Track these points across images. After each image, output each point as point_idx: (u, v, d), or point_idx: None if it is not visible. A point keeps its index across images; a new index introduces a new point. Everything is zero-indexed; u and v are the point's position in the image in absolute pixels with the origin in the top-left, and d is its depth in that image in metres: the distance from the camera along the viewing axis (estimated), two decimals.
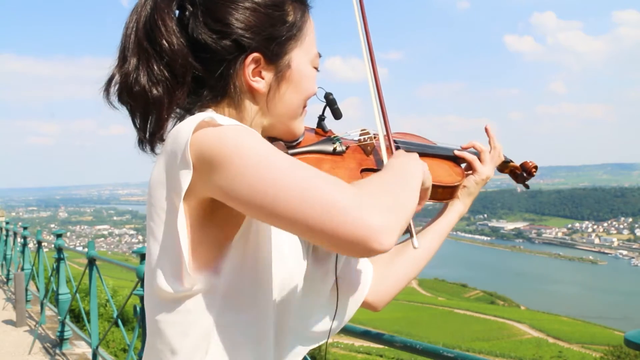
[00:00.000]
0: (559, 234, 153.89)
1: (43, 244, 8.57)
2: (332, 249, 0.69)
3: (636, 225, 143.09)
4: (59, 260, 6.48)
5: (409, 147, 1.14)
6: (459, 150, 1.22)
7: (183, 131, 0.74)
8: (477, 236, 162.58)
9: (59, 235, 6.58)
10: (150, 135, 0.85)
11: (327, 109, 1.07)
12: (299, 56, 0.91)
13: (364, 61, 1.05)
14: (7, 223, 11.61)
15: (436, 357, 1.67)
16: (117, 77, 0.84)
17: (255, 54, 0.86)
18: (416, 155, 0.90)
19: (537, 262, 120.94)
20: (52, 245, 6.96)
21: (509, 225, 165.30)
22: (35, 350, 5.93)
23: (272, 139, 0.96)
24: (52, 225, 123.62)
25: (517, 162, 1.32)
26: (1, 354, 5.90)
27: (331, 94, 1.04)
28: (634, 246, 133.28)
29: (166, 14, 0.83)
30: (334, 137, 1.06)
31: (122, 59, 0.84)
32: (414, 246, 0.91)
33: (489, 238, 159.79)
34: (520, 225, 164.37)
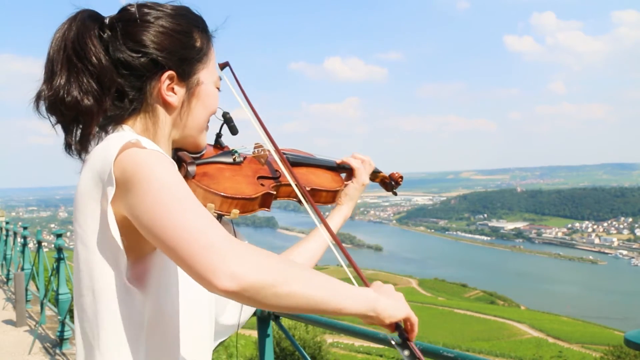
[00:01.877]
0: (559, 234, 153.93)
1: (43, 243, 8.56)
2: (193, 278, 0.77)
3: (636, 225, 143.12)
4: (59, 260, 6.47)
5: (297, 158, 1.34)
6: (340, 161, 1.42)
7: (111, 149, 0.84)
8: (477, 236, 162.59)
9: (59, 235, 6.57)
10: (80, 141, 0.95)
11: (225, 126, 1.21)
12: (205, 77, 1.05)
13: (242, 103, 1.19)
14: (7, 223, 11.62)
15: (436, 357, 1.67)
16: (46, 91, 0.93)
17: (170, 72, 0.99)
18: (385, 287, 0.95)
19: (537, 262, 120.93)
20: (52, 245, 6.96)
21: (509, 225, 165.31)
22: (35, 350, 5.94)
23: (179, 151, 1.10)
24: (52, 225, 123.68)
25: (386, 173, 1.52)
26: (1, 354, 5.90)
27: (228, 113, 1.18)
28: (634, 246, 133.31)
29: (92, 34, 0.95)
30: (233, 149, 1.21)
31: (51, 74, 0.93)
32: None
33: (489, 238, 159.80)
34: (520, 225, 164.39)
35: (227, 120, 1.19)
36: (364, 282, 1.01)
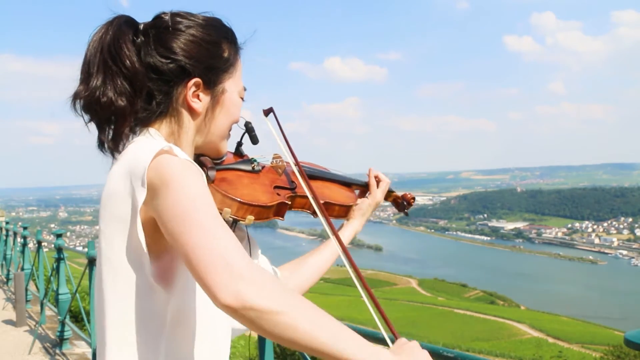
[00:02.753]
0: (559, 234, 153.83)
1: (43, 244, 8.56)
2: (210, 298, 0.77)
3: (636, 225, 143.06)
4: (59, 260, 6.47)
5: (313, 171, 1.38)
6: (356, 179, 1.47)
7: (145, 153, 0.89)
8: (477, 236, 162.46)
9: (59, 235, 6.57)
10: (113, 139, 1.00)
11: (246, 135, 1.24)
12: (230, 86, 1.09)
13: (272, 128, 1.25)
14: (7, 223, 11.62)
15: (436, 357, 1.67)
16: (83, 92, 0.98)
17: (196, 79, 1.03)
18: (409, 348, 0.91)
19: (537, 262, 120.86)
20: (52, 245, 6.95)
21: (509, 225, 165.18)
22: (35, 350, 5.94)
23: (201, 156, 1.13)
24: (52, 225, 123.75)
25: (399, 193, 1.57)
26: (1, 353, 5.90)
27: (250, 122, 1.21)
28: (634, 246, 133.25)
29: (127, 39, 1.00)
30: (252, 158, 1.26)
31: (88, 75, 0.98)
32: None
33: (489, 238, 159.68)
34: (520, 225, 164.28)
35: (249, 129, 1.23)
36: (389, 328, 1.02)
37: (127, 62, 0.98)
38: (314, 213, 1.28)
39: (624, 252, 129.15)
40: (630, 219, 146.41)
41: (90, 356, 5.34)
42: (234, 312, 0.75)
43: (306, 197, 1.25)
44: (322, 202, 1.28)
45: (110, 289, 0.93)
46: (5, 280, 10.30)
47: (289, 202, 1.22)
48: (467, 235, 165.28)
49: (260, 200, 1.13)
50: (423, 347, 1.80)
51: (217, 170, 1.14)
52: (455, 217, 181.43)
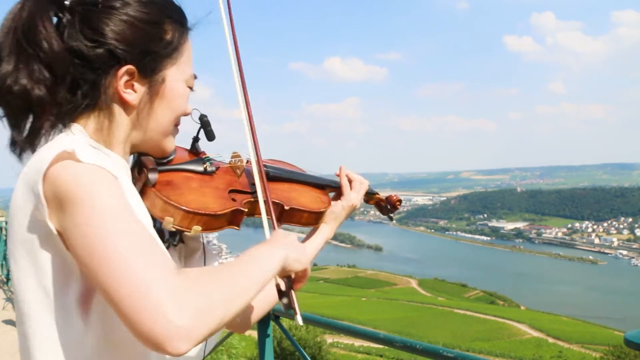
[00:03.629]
0: (559, 234, 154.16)
1: None
2: (133, 335, 0.68)
3: (636, 225, 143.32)
4: None
5: (278, 173, 1.22)
6: (331, 179, 1.31)
7: (43, 160, 0.76)
8: (477, 236, 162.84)
9: None
10: (29, 137, 0.86)
11: (202, 130, 1.10)
12: (174, 74, 0.94)
13: (236, 89, 1.08)
14: (7, 223, 11.63)
15: (436, 357, 1.67)
16: None
17: (129, 67, 0.88)
18: (289, 239, 0.91)
19: (537, 262, 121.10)
20: None
21: (509, 225, 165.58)
22: None
23: (143, 155, 0.99)
24: None
25: (383, 195, 1.42)
26: (1, 353, 5.91)
27: (206, 116, 1.07)
28: (634, 246, 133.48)
29: (45, 17, 0.85)
30: (205, 157, 1.09)
31: None
32: (299, 324, 0.93)
33: (489, 238, 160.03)
34: (520, 225, 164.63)
35: (204, 124, 1.09)
36: (273, 226, 1.00)
37: (45, 44, 0.83)
38: (277, 221, 1.11)
39: (624, 252, 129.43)
40: (630, 219, 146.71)
41: None
42: (189, 349, 0.68)
43: (273, 201, 1.09)
44: (287, 208, 1.14)
45: (24, 315, 0.85)
46: (5, 280, 10.30)
47: (246, 209, 1.05)
48: (467, 235, 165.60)
49: (209, 207, 0.98)
50: (423, 347, 1.81)
51: (161, 171, 1.00)
52: (455, 217, 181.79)
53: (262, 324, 2.76)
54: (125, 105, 0.91)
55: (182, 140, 1.11)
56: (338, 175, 1.32)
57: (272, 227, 1.02)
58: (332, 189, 1.32)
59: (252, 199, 1.08)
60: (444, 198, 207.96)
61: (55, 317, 0.80)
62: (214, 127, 1.12)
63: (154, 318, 0.66)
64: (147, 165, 0.98)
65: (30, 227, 0.79)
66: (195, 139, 1.13)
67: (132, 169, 1.00)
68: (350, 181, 1.31)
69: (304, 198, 1.22)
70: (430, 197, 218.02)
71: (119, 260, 0.69)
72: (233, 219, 1.03)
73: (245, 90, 1.10)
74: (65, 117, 0.88)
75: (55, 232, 0.76)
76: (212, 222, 0.99)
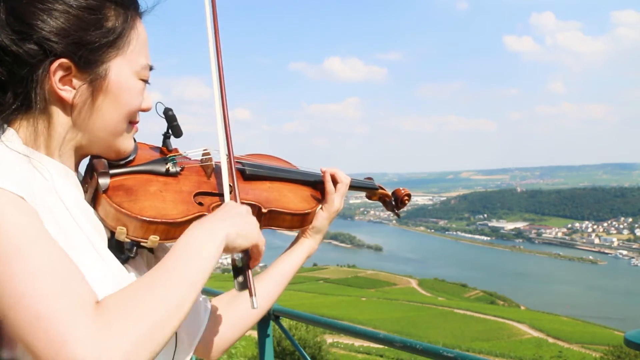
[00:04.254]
0: (559, 234, 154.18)
1: None
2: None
3: (636, 225, 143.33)
4: None
5: (257, 170, 1.10)
6: (319, 175, 1.18)
7: None
8: (477, 236, 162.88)
9: None
10: None
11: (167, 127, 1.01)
12: (120, 66, 0.84)
13: (211, 75, 0.97)
14: None
15: (436, 357, 1.68)
16: None
17: (64, 60, 0.79)
18: (235, 211, 0.84)
19: (537, 262, 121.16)
20: None
21: (509, 225, 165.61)
22: None
23: (95, 158, 0.90)
24: None
25: (388, 190, 1.29)
26: None
27: (171, 109, 0.98)
28: (634, 246, 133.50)
29: None
30: (169, 156, 0.98)
31: None
32: (253, 307, 0.85)
33: (489, 238, 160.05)
34: (520, 225, 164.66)
35: (169, 118, 0.99)
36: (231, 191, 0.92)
37: None
38: (266, 225, 1.04)
39: (624, 252, 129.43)
40: (630, 219, 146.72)
41: None
42: None
43: (245, 204, 0.94)
44: (265, 210, 1.02)
45: None
46: None
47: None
48: (467, 235, 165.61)
49: (168, 214, 0.87)
50: (423, 347, 1.81)
51: (114, 175, 0.89)
52: (455, 217, 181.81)
53: (262, 324, 2.76)
54: (63, 103, 0.81)
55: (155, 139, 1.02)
56: (322, 178, 1.17)
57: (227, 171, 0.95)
58: (320, 185, 1.18)
59: (222, 202, 0.94)
60: (444, 198, 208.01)
61: None
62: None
63: (47, 344, 0.59)
64: (97, 169, 0.87)
65: None
66: (166, 136, 1.02)
67: (85, 174, 0.91)
68: (335, 183, 1.16)
69: (288, 198, 1.09)
70: (430, 197, 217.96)
71: (33, 304, 0.61)
72: None
73: (222, 76, 0.98)
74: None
75: None
76: (172, 230, 0.87)
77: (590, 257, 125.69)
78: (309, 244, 1.15)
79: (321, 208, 1.15)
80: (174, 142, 1.03)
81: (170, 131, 1.01)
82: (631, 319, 58.85)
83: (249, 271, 0.85)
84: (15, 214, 0.66)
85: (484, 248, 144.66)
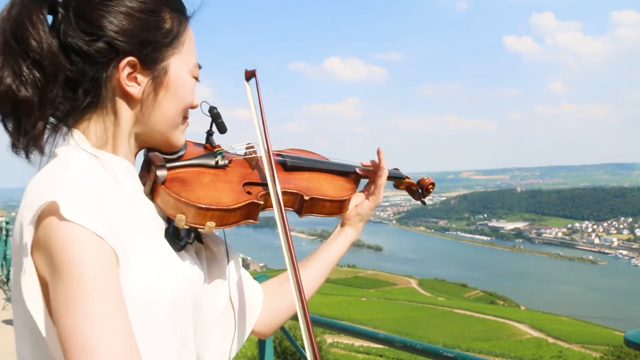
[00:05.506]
0: (559, 234, 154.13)
1: None
2: None
3: (636, 225, 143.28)
4: None
5: (297, 162, 1.18)
6: (359, 167, 1.25)
7: (32, 207, 0.73)
8: (477, 236, 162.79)
9: None
10: (25, 139, 0.83)
11: (214, 123, 1.07)
12: (177, 64, 0.91)
13: (247, 96, 1.07)
14: (7, 223, 11.63)
15: (436, 357, 1.68)
16: None
17: (131, 58, 0.86)
18: None
19: (537, 262, 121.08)
20: None
21: (509, 225, 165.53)
22: None
23: (150, 151, 0.97)
24: None
25: (414, 179, 1.35)
26: (1, 354, 5.90)
27: (215, 107, 1.05)
28: (634, 246, 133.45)
29: (35, 14, 0.82)
30: (217, 150, 1.06)
31: None
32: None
33: (489, 238, 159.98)
34: (520, 225, 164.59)
35: (214, 116, 1.06)
36: (282, 213, 0.98)
37: (33, 42, 0.80)
38: (298, 212, 1.11)
39: (624, 252, 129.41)
40: (630, 219, 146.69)
41: None
42: None
43: (288, 193, 1.07)
44: (307, 197, 1.10)
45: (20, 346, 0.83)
46: (5, 280, 10.30)
47: (262, 202, 1.00)
48: (467, 235, 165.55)
49: (222, 202, 0.94)
50: (423, 347, 1.81)
51: (170, 168, 0.96)
52: (455, 217, 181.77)
53: None
54: (128, 98, 0.88)
55: (197, 137, 1.09)
56: (371, 166, 1.23)
57: (281, 217, 0.98)
58: (356, 175, 1.25)
59: (268, 191, 1.02)
60: (444, 198, 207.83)
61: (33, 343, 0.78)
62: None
63: None
64: (154, 162, 0.94)
65: (21, 267, 0.75)
66: (209, 133, 1.09)
67: (142, 168, 0.98)
68: (381, 172, 1.22)
69: (326, 186, 1.17)
70: (430, 197, 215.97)
71: (84, 343, 0.68)
72: (249, 212, 0.99)
73: (258, 84, 1.08)
74: (66, 118, 0.86)
75: (35, 272, 0.74)
76: (227, 216, 0.95)
77: (590, 257, 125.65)
78: (352, 232, 1.21)
79: (367, 198, 1.22)
80: (217, 138, 1.10)
81: (214, 128, 1.08)
82: (631, 319, 58.83)
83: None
84: (93, 263, 0.71)
85: (484, 248, 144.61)
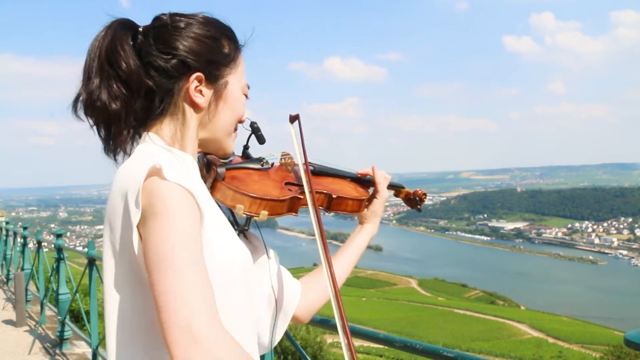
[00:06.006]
0: (559, 234, 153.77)
1: (43, 244, 8.55)
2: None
3: (636, 225, 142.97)
4: (59, 260, 6.47)
5: (322, 168, 1.39)
6: (361, 173, 1.46)
7: (138, 172, 0.88)
8: (477, 236, 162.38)
9: (59, 235, 6.56)
10: (114, 143, 1.01)
11: (253, 137, 1.24)
12: (233, 82, 1.09)
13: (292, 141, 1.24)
14: (7, 223, 11.61)
15: (436, 357, 1.67)
16: (83, 95, 0.99)
17: (198, 74, 1.03)
18: None
19: (537, 262, 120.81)
20: (52, 245, 6.94)
21: (509, 225, 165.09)
22: (35, 350, 5.93)
23: (208, 154, 1.14)
24: (52, 225, 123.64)
25: (410, 190, 1.59)
26: (1, 354, 5.90)
27: (255, 122, 1.21)
28: (634, 246, 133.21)
29: (124, 41, 1.00)
30: (261, 157, 1.25)
31: (87, 79, 1.00)
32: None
33: (489, 238, 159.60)
34: (520, 225, 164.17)
35: (255, 129, 1.22)
36: (316, 210, 1.12)
37: (123, 64, 0.99)
38: (327, 209, 1.30)
39: (624, 252, 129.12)
40: (630, 219, 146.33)
41: (90, 356, 5.34)
42: None
43: (319, 192, 1.26)
44: (334, 196, 1.30)
45: (113, 303, 0.94)
46: (5, 280, 10.30)
47: (302, 197, 1.19)
48: (467, 235, 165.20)
49: (272, 194, 1.12)
50: (423, 347, 1.81)
51: (227, 168, 1.14)
52: (455, 217, 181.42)
53: None
54: (195, 107, 1.04)
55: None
56: (370, 175, 1.44)
57: (316, 213, 1.12)
58: (365, 183, 1.45)
59: (303, 191, 1.20)
60: (444, 198, 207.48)
61: (144, 307, 0.91)
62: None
63: (184, 343, 0.75)
64: (215, 163, 1.12)
65: (123, 229, 0.90)
66: (246, 147, 1.26)
67: (200, 168, 1.12)
68: (377, 175, 1.44)
69: (347, 189, 1.37)
70: (430, 197, 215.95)
71: (177, 286, 0.79)
72: (292, 205, 1.17)
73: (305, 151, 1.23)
74: (142, 123, 1.03)
75: (138, 237, 0.87)
76: (277, 207, 1.12)
77: (590, 257, 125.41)
78: (371, 228, 1.44)
79: (375, 197, 1.43)
80: (254, 151, 1.28)
81: (253, 140, 1.25)
82: (631, 319, 58.71)
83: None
84: (192, 215, 0.88)
85: (484, 248, 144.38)
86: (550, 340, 46.84)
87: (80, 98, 1.00)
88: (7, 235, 11.08)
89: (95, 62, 0.99)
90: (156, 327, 0.87)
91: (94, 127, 1.01)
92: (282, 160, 1.29)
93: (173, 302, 0.78)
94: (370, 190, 1.46)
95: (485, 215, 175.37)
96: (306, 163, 1.20)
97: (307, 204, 1.18)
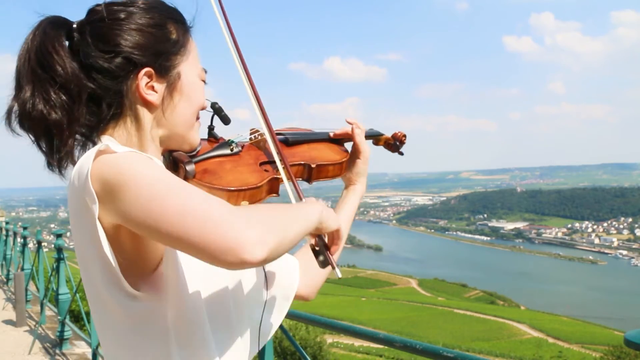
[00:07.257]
0: (559, 234, 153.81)
1: (43, 244, 8.55)
2: (210, 262, 0.74)
3: (636, 225, 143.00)
4: (59, 260, 6.48)
5: (296, 137, 1.29)
6: (335, 134, 1.36)
7: (84, 165, 0.82)
8: (477, 236, 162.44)
9: (59, 235, 6.56)
10: (59, 156, 0.90)
11: (215, 117, 1.15)
12: (187, 69, 1.00)
13: (236, 66, 1.14)
14: (7, 223, 11.62)
15: (436, 357, 1.67)
16: (15, 107, 0.89)
17: (147, 69, 0.94)
18: (320, 202, 0.97)
19: (537, 262, 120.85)
20: (52, 245, 6.96)
21: (509, 225, 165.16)
22: (35, 350, 5.94)
23: (173, 152, 1.05)
24: (52, 225, 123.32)
25: (387, 135, 1.49)
26: (1, 354, 5.90)
27: (217, 103, 1.13)
28: (634, 246, 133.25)
29: (56, 41, 0.89)
30: (229, 140, 1.16)
31: (18, 88, 0.89)
32: (338, 277, 1.01)
33: (489, 238, 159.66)
34: (520, 225, 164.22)
35: (217, 110, 1.14)
36: (299, 196, 1.06)
37: (58, 68, 0.88)
38: (308, 179, 1.22)
39: (624, 252, 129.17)
40: (630, 219, 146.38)
41: (90, 356, 5.34)
42: (264, 260, 0.74)
43: (296, 164, 1.19)
44: (313, 165, 1.22)
45: (96, 307, 0.91)
46: (5, 280, 10.30)
47: (280, 176, 1.12)
48: (467, 235, 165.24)
49: (249, 182, 1.06)
50: (423, 347, 1.81)
51: (195, 162, 1.06)
52: (455, 217, 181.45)
53: None
54: (148, 106, 0.96)
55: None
56: (349, 134, 1.33)
57: (295, 189, 1.07)
58: (341, 140, 1.36)
59: (275, 168, 1.14)
60: (444, 198, 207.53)
61: (123, 303, 0.86)
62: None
63: (223, 231, 0.72)
64: (182, 160, 1.03)
65: (86, 229, 0.83)
66: (211, 128, 1.18)
67: (168, 169, 1.02)
68: (353, 130, 1.34)
69: (325, 153, 1.29)
70: (430, 197, 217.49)
71: (186, 204, 0.75)
72: (271, 187, 1.11)
73: (244, 64, 1.14)
74: (93, 131, 0.94)
75: (104, 232, 0.81)
76: (256, 194, 1.06)
77: (590, 257, 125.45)
78: (360, 188, 1.35)
79: (358, 158, 1.33)
80: (220, 132, 1.19)
81: (217, 122, 1.17)
82: (631, 319, 58.73)
83: (328, 252, 0.98)
84: (149, 163, 0.82)
85: (484, 248, 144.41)
86: (550, 340, 46.82)
87: (13, 110, 0.89)
88: (7, 235, 11.08)
89: (26, 68, 0.88)
90: (145, 325, 0.87)
91: (32, 141, 0.90)
92: (252, 138, 1.22)
93: (189, 218, 0.74)
94: (348, 148, 1.35)
95: (485, 215, 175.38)
96: (272, 134, 1.14)
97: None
